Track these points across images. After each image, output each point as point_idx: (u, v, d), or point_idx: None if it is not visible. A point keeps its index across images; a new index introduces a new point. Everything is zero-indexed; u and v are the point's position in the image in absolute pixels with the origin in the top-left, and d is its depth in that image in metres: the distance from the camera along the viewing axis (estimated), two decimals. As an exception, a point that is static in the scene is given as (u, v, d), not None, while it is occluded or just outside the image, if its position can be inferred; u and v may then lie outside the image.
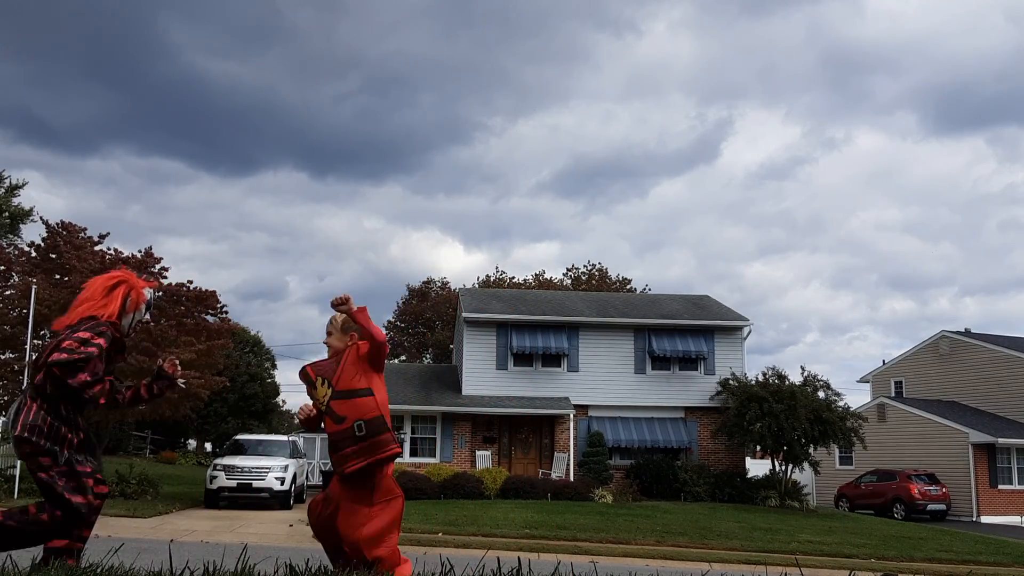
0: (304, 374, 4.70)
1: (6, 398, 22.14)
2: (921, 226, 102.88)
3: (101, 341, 4.18)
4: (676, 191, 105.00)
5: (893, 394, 37.08)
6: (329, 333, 4.86)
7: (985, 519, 29.36)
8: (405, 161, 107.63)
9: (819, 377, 26.62)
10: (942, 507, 29.38)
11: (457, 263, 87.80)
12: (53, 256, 23.10)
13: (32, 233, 54.59)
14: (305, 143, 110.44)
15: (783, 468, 26.61)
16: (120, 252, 23.32)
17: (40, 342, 22.25)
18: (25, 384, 19.46)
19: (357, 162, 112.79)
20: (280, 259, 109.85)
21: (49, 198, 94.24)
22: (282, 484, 20.31)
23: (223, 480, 20.02)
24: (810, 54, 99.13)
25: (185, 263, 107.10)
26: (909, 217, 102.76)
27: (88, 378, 4.03)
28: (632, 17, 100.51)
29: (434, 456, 26.45)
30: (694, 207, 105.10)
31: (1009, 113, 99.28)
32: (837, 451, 33.14)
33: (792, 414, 24.73)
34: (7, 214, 34.40)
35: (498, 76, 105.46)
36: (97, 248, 23.13)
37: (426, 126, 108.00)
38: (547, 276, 51.96)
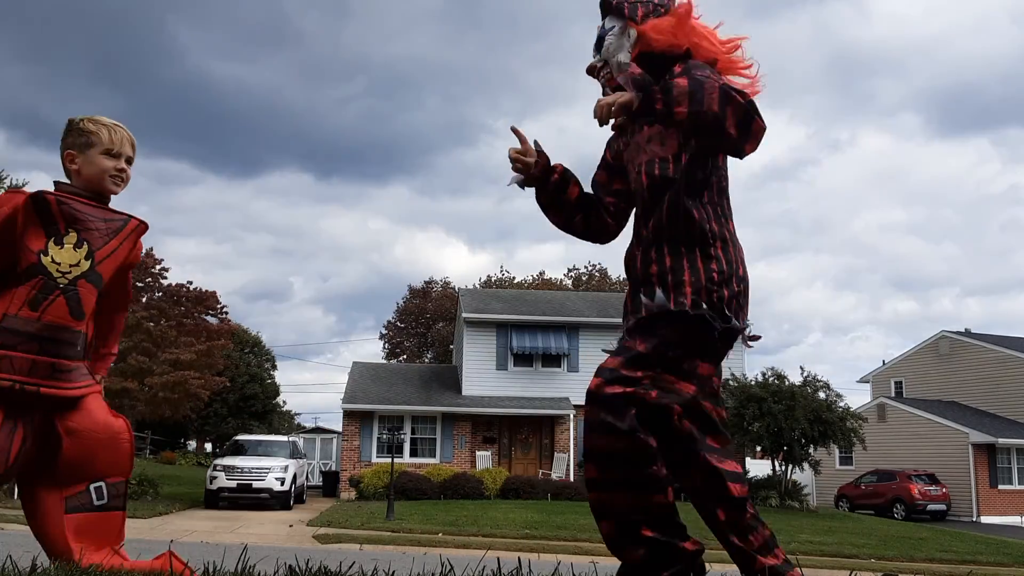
0: (41, 201, 2.73)
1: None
2: (924, 227, 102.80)
3: None
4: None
5: (893, 394, 37.06)
6: (128, 160, 2.94)
7: (985, 519, 29.35)
8: (410, 163, 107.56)
9: (819, 377, 26.64)
10: (942, 507, 29.37)
11: (462, 264, 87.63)
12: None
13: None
14: (310, 145, 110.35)
15: (783, 468, 26.60)
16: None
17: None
18: None
19: (362, 164, 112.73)
20: (285, 260, 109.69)
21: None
22: (282, 484, 20.31)
23: (223, 480, 20.02)
24: (815, 56, 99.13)
25: (190, 264, 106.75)
26: (913, 218, 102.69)
27: None
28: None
29: (434, 456, 26.44)
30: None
31: (1013, 115, 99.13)
32: (837, 451, 33.10)
33: (791, 414, 24.73)
34: (7, 214, 34.42)
35: (504, 78, 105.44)
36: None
37: (431, 128, 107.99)
38: (548, 276, 51.98)
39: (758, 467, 29.53)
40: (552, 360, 28.18)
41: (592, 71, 2.94)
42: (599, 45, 2.91)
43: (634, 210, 2.89)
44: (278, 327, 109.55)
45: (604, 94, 2.87)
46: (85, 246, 2.79)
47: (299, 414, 62.57)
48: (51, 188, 2.85)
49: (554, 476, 25.56)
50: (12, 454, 2.68)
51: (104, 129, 2.87)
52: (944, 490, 29.64)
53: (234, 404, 43.13)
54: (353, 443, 26.36)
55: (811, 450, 26.19)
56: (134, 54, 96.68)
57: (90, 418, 2.83)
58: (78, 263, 2.78)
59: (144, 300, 23.16)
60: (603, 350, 3.02)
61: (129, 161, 2.94)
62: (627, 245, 2.85)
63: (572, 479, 25.31)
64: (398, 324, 52.60)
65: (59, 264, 2.75)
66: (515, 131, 2.98)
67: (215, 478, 20.13)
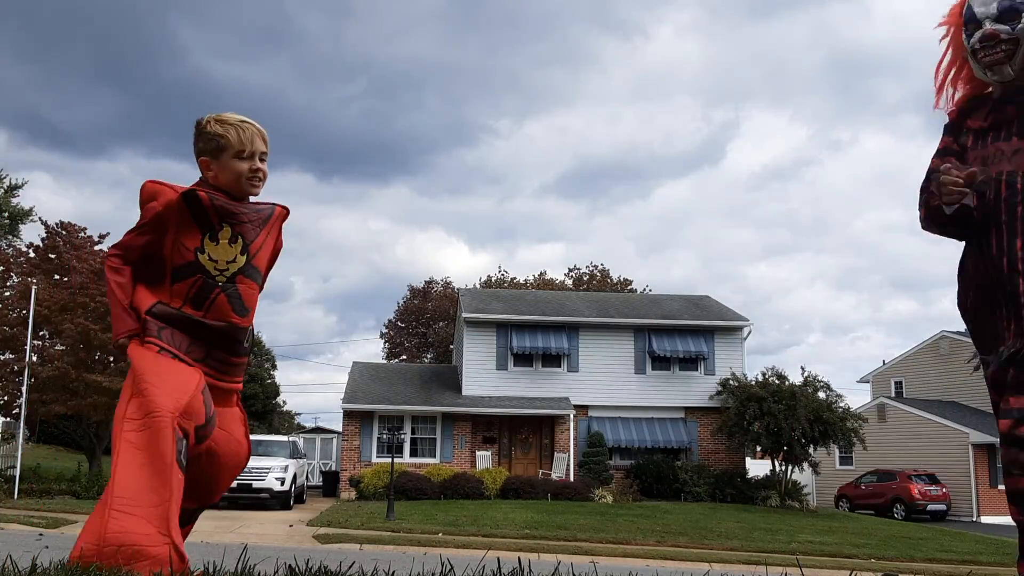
0: (193, 198, 2.71)
1: (6, 398, 22.12)
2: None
3: None
4: (681, 193, 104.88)
5: (893, 394, 37.06)
6: (262, 157, 2.78)
7: (985, 519, 29.34)
8: (411, 163, 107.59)
9: (819, 378, 26.64)
10: (942, 507, 29.36)
11: (463, 264, 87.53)
12: (52, 256, 23.09)
13: (32, 234, 54.58)
14: (311, 145, 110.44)
15: (783, 468, 26.61)
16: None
17: (40, 342, 22.25)
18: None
19: (363, 164, 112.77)
20: (285, 260, 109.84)
21: (57, 199, 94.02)
22: (282, 484, 20.31)
23: (223, 480, 20.02)
24: (816, 57, 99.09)
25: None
26: (914, 218, 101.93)
27: None
28: (640, 20, 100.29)
29: (434, 456, 26.44)
30: (699, 208, 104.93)
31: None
32: (837, 451, 33.12)
33: (791, 414, 24.74)
34: (7, 214, 34.39)
35: (505, 79, 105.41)
36: (97, 248, 23.12)
37: (432, 128, 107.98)
38: (548, 276, 51.97)
39: (758, 467, 29.53)
40: (552, 360, 28.18)
41: (992, 39, 2.61)
42: (1009, 16, 2.59)
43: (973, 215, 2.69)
44: (279, 327, 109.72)
45: (980, 70, 2.66)
46: (240, 241, 2.72)
47: (299, 414, 62.51)
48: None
49: (554, 476, 25.56)
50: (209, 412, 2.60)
51: (232, 129, 2.73)
52: (944, 490, 29.63)
53: (234, 404, 43.09)
54: (353, 443, 26.35)
55: (811, 450, 26.20)
56: (135, 54, 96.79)
57: (237, 445, 2.80)
58: (234, 259, 2.71)
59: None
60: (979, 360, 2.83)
61: (263, 157, 2.78)
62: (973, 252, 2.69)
63: (572, 479, 25.31)
64: (398, 324, 52.59)
65: (216, 261, 2.68)
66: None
67: (215, 478, 20.12)
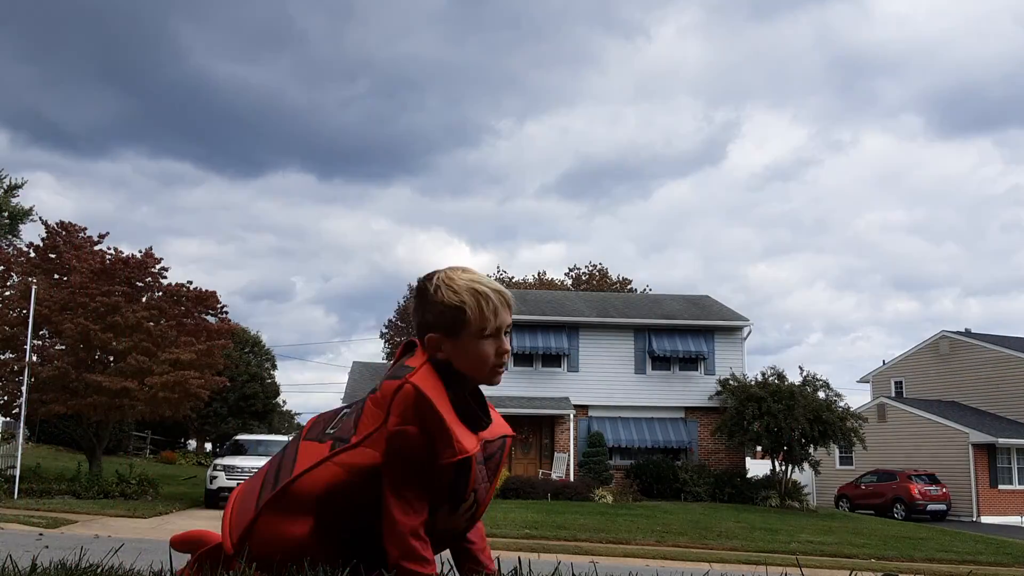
0: (466, 468, 2.08)
1: (6, 398, 22.12)
2: (926, 227, 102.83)
3: None
4: (682, 193, 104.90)
5: (893, 394, 37.06)
6: (501, 330, 2.11)
7: (985, 519, 29.35)
8: (412, 163, 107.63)
9: (819, 377, 26.67)
10: (942, 507, 29.36)
11: (463, 264, 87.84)
12: (52, 256, 23.08)
13: (32, 233, 54.55)
14: (313, 145, 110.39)
15: (783, 468, 26.61)
16: (120, 252, 23.30)
17: (40, 342, 22.25)
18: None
19: (365, 164, 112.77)
20: (287, 260, 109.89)
21: (59, 199, 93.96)
22: (282, 484, 20.28)
23: (223, 480, 20.00)
24: (817, 57, 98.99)
25: (192, 264, 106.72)
26: (914, 218, 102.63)
27: None
28: (642, 21, 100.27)
29: (434, 456, 26.43)
30: (699, 209, 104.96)
31: (1015, 116, 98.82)
32: (837, 451, 33.12)
33: (791, 414, 24.75)
34: (6, 214, 34.38)
35: (506, 79, 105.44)
36: (97, 248, 23.11)
37: (433, 128, 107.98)
38: (548, 277, 51.99)
39: (758, 467, 29.53)
40: (552, 360, 28.18)
41: None
42: None
43: None
44: (280, 327, 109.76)
45: None
46: (474, 507, 2.13)
47: (299, 414, 62.55)
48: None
49: (554, 476, 25.55)
50: None
51: (472, 300, 2.05)
52: (944, 490, 29.63)
53: (234, 404, 43.10)
54: (353, 443, 26.36)
55: (811, 450, 26.20)
56: (137, 54, 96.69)
57: None
58: (457, 526, 2.15)
59: (144, 300, 23.15)
60: None
61: (508, 330, 2.11)
62: None
63: (572, 479, 25.30)
64: (399, 324, 52.60)
65: (440, 530, 2.07)
66: None
67: (215, 478, 20.11)
